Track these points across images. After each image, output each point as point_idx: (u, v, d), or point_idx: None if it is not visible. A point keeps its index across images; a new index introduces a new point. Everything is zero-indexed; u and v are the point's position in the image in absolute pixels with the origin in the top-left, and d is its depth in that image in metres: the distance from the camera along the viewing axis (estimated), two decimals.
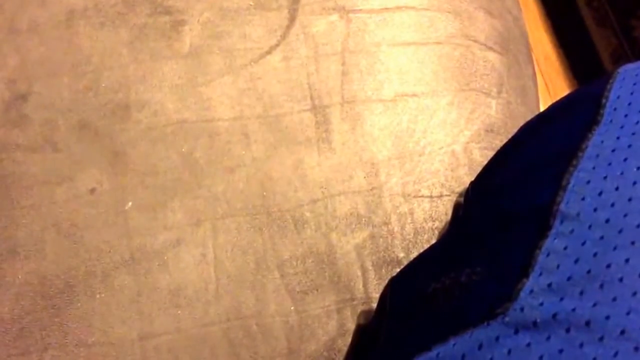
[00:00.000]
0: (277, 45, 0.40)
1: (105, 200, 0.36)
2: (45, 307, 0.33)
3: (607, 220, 0.22)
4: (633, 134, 0.25)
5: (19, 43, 0.38)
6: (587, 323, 0.20)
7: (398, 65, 0.42)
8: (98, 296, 0.34)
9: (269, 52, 0.40)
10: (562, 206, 0.23)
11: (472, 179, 0.36)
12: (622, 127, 0.26)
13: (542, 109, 0.38)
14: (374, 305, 0.36)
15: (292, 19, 0.41)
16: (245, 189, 0.37)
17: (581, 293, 0.21)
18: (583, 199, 0.23)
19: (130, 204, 0.36)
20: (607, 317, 0.20)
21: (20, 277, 0.34)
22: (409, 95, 0.41)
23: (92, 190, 0.36)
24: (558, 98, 0.33)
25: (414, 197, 0.39)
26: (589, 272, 0.21)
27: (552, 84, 0.97)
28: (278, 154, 0.38)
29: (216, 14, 0.41)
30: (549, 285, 0.21)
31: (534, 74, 0.50)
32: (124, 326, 0.33)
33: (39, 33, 0.39)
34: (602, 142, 0.25)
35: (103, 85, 0.38)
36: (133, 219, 0.35)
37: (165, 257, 0.35)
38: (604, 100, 0.27)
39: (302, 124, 0.39)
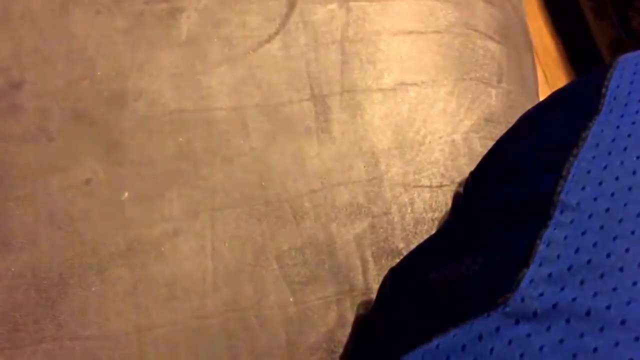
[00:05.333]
0: (276, 33, 0.40)
1: (101, 191, 0.35)
2: (39, 300, 0.33)
3: (607, 210, 0.22)
4: (633, 123, 0.25)
5: (13, 30, 0.38)
6: (588, 313, 0.20)
7: (398, 54, 0.41)
8: (93, 288, 0.33)
9: (267, 41, 0.40)
10: (563, 196, 0.23)
11: (472, 168, 0.36)
12: (622, 116, 0.25)
13: (540, 100, 0.38)
14: (374, 296, 0.36)
15: (291, 7, 0.41)
16: (243, 179, 0.37)
17: (581, 283, 0.21)
18: (583, 188, 0.23)
19: (126, 194, 0.35)
20: (608, 307, 0.20)
21: (13, 269, 0.33)
22: (409, 84, 0.41)
23: (88, 181, 0.35)
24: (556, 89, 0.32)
25: (414, 187, 0.39)
26: (589, 261, 0.21)
27: (550, 75, 0.97)
28: (277, 143, 0.38)
29: (214, 1, 0.40)
30: (550, 275, 0.21)
31: (534, 63, 0.50)
32: (120, 319, 0.33)
33: (33, 20, 0.38)
34: (602, 131, 0.25)
35: (98, 73, 0.37)
36: (129, 209, 0.35)
37: (162, 249, 0.35)
38: (604, 90, 0.27)
39: (302, 114, 0.39)
